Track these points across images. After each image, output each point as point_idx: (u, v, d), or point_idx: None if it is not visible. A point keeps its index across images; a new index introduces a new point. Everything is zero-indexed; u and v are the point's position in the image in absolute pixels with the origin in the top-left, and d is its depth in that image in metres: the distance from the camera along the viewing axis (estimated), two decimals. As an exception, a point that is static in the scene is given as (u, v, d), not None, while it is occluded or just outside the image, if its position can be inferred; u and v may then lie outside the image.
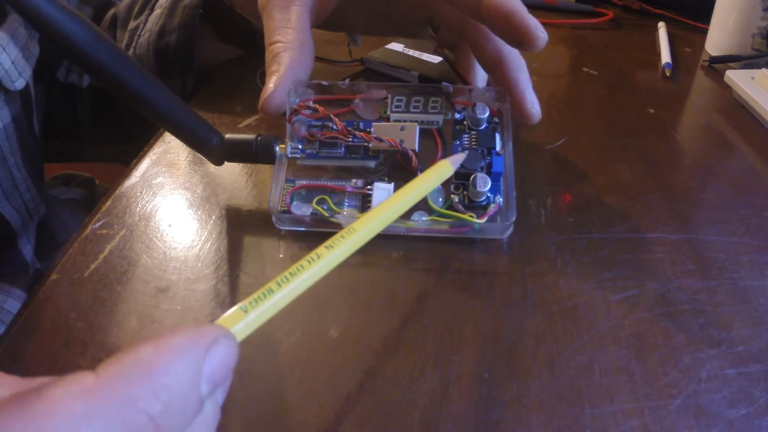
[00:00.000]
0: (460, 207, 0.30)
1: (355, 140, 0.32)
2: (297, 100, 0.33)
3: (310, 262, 0.21)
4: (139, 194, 0.34)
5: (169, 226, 0.32)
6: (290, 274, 0.20)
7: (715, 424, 0.22)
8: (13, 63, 0.40)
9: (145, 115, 0.30)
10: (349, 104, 0.33)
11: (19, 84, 0.41)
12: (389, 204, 0.26)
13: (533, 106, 0.33)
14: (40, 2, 0.25)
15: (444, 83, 0.36)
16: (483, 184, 0.30)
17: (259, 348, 0.25)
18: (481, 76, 0.38)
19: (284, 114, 0.32)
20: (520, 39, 0.30)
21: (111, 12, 0.51)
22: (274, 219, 0.31)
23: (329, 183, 0.31)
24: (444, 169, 0.29)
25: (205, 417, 0.16)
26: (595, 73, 0.49)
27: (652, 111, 0.43)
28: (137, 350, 0.15)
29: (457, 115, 0.33)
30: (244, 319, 0.19)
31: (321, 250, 0.22)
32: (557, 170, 0.36)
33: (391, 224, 0.30)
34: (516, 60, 0.33)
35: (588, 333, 0.26)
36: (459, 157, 0.30)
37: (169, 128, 0.31)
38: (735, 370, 0.24)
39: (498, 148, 0.32)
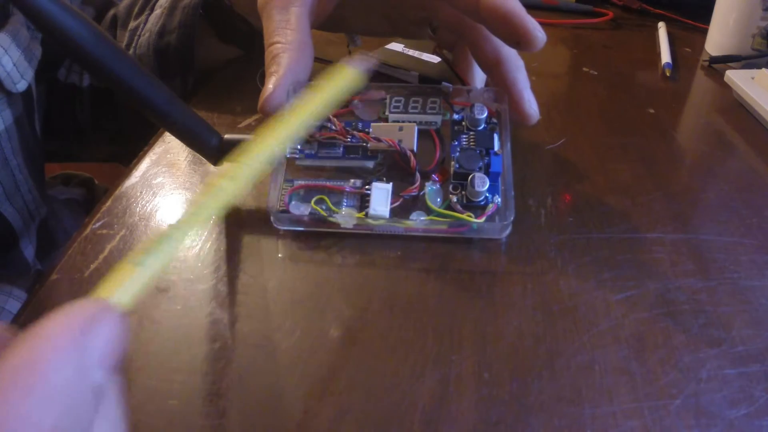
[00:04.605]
0: (459, 207, 0.30)
1: (354, 140, 0.32)
2: (296, 101, 0.33)
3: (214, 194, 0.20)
4: (139, 194, 0.34)
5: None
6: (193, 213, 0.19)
7: (715, 424, 0.22)
8: (15, 65, 0.40)
9: (145, 114, 0.30)
10: (347, 105, 0.33)
11: (21, 86, 0.41)
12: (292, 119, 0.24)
13: (531, 106, 0.33)
14: (43, 1, 0.25)
15: (444, 83, 0.36)
16: (481, 184, 0.30)
17: (259, 348, 0.25)
18: (479, 77, 0.38)
19: (284, 114, 0.32)
20: (518, 39, 0.30)
21: (111, 12, 0.51)
22: (272, 219, 0.31)
23: (328, 183, 0.31)
24: (346, 72, 0.27)
25: (109, 403, 0.15)
26: (595, 73, 0.49)
27: (652, 111, 0.43)
28: (12, 358, 0.13)
29: (455, 116, 0.33)
30: (137, 274, 0.17)
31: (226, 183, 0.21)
32: (557, 170, 0.36)
33: (389, 224, 0.30)
34: (514, 60, 0.33)
35: (588, 333, 0.26)
36: (364, 61, 0.28)
37: (168, 128, 0.31)
38: (735, 370, 0.24)
39: (496, 148, 0.32)
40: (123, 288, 0.17)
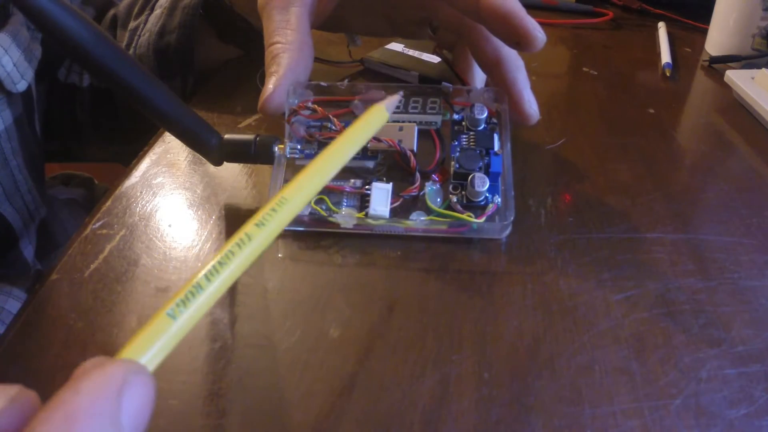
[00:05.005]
0: (459, 207, 0.30)
1: (355, 140, 0.32)
2: (296, 101, 0.33)
3: (240, 246, 0.18)
4: (139, 194, 0.34)
5: (169, 226, 0.32)
6: (219, 263, 0.18)
7: (715, 424, 0.22)
8: (15, 65, 0.40)
9: (145, 114, 0.30)
10: (347, 105, 0.33)
11: (21, 86, 0.41)
12: (321, 164, 0.22)
13: (531, 106, 0.33)
14: (43, 1, 0.25)
15: (444, 83, 0.36)
16: (481, 184, 0.30)
17: (259, 348, 0.25)
18: (479, 77, 0.38)
19: (283, 114, 0.32)
20: (518, 39, 0.30)
21: (111, 12, 0.51)
22: (273, 219, 0.31)
23: (327, 183, 0.31)
24: (379, 115, 0.26)
25: None
26: (595, 73, 0.49)
27: (652, 111, 0.43)
28: (52, 417, 0.13)
29: (455, 116, 0.33)
30: (172, 327, 0.16)
31: (251, 228, 0.19)
32: (557, 170, 0.36)
33: (389, 224, 0.30)
34: (514, 60, 0.33)
35: (588, 333, 0.26)
36: (393, 100, 0.27)
37: (168, 128, 0.31)
38: (735, 370, 0.24)
39: (496, 148, 0.32)
40: (155, 344, 0.16)
